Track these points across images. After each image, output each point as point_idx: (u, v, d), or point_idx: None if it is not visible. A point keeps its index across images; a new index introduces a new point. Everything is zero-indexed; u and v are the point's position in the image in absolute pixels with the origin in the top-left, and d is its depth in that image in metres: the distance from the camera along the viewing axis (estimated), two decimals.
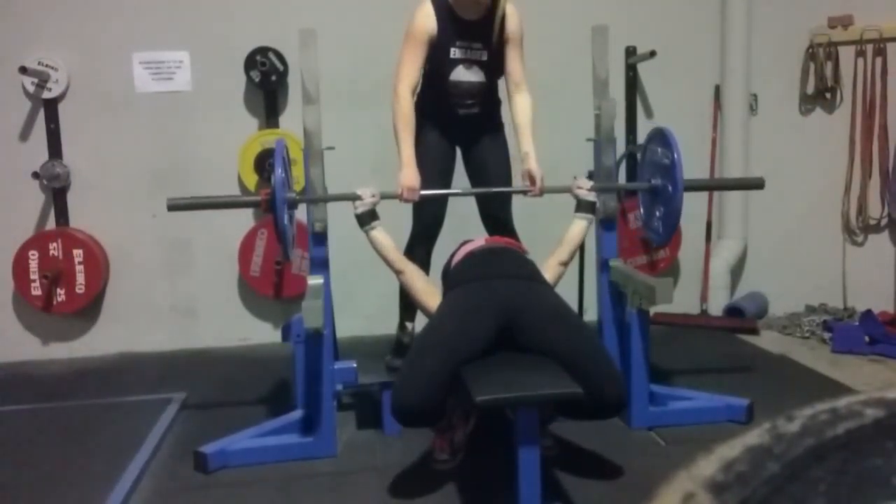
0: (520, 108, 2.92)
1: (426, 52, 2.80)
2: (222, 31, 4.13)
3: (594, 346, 2.36)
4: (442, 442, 2.58)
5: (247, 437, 2.74)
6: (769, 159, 4.51)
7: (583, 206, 2.81)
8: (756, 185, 3.09)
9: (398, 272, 2.66)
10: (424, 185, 2.82)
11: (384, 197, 2.73)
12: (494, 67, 2.89)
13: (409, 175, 2.76)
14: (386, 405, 2.83)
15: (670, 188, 2.76)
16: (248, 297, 4.30)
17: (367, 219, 2.66)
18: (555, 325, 2.33)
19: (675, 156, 2.71)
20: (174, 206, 2.71)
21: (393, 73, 2.84)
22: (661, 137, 2.85)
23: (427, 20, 2.78)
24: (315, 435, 2.72)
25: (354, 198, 2.68)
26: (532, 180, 2.81)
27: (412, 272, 2.65)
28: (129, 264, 4.21)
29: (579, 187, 2.83)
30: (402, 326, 3.17)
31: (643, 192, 3.05)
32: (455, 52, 2.82)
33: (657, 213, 2.91)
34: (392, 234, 2.74)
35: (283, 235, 2.59)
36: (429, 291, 2.59)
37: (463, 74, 2.85)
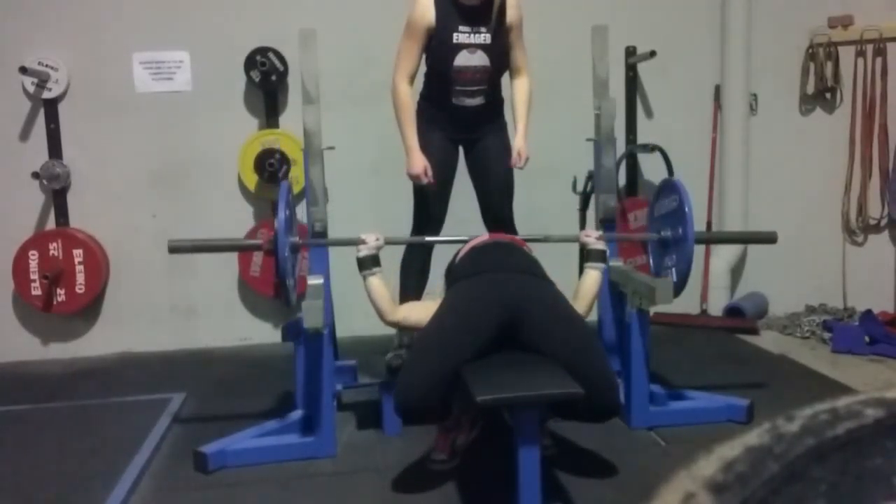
0: (518, 90, 3.02)
1: (425, 43, 2.84)
2: (222, 31, 4.13)
3: (594, 349, 2.36)
4: (444, 441, 2.57)
5: (247, 437, 2.73)
6: (769, 159, 4.51)
7: (593, 256, 2.70)
8: (769, 239, 3.04)
9: (394, 323, 2.55)
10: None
11: (389, 242, 2.69)
12: (497, 52, 2.90)
13: (417, 160, 2.84)
14: (386, 405, 2.83)
15: (681, 235, 2.73)
16: (248, 297, 4.30)
17: (368, 263, 2.57)
18: (557, 325, 2.33)
19: (686, 208, 2.70)
20: (175, 249, 2.70)
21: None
22: (671, 189, 2.83)
23: (425, 11, 2.81)
24: (315, 435, 2.72)
25: (358, 242, 2.61)
26: (517, 154, 2.94)
27: (407, 310, 2.57)
28: (129, 264, 4.21)
29: (587, 236, 2.77)
30: None
31: (653, 244, 3.01)
32: (458, 37, 2.83)
33: (668, 263, 2.87)
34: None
35: (284, 281, 2.51)
36: (430, 309, 2.49)
37: (467, 59, 2.86)
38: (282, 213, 2.49)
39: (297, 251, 2.71)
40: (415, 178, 2.88)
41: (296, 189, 3.45)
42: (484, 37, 2.85)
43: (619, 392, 2.32)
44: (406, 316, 2.53)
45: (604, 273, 2.71)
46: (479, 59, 2.87)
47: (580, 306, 2.57)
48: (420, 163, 2.86)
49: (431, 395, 2.20)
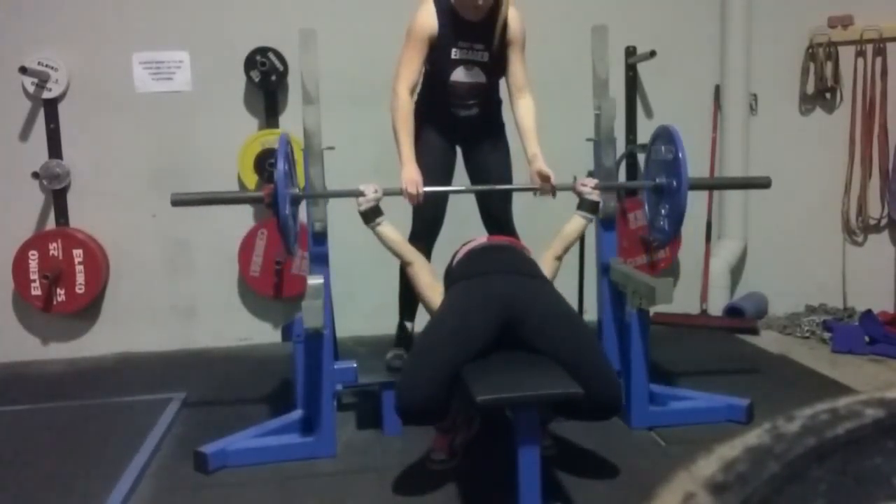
0: (523, 112, 2.89)
1: (426, 52, 2.78)
2: (222, 31, 4.13)
3: (594, 347, 2.37)
4: (442, 442, 2.58)
5: (247, 437, 2.74)
6: (769, 159, 4.51)
7: (586, 205, 2.78)
8: (762, 184, 3.04)
9: (407, 264, 2.65)
10: (425, 185, 2.82)
11: (387, 193, 2.71)
12: (495, 69, 2.88)
13: (411, 173, 2.75)
14: (386, 405, 2.84)
15: (675, 186, 2.76)
16: (248, 297, 4.30)
17: (371, 215, 2.64)
18: (556, 324, 2.33)
19: (680, 154, 2.70)
20: (178, 202, 2.74)
21: (393, 73, 2.84)
22: (665, 136, 2.85)
23: (428, 19, 2.76)
24: (315, 435, 2.72)
25: (357, 194, 2.66)
26: (546, 179, 2.76)
27: (420, 265, 2.66)
28: (129, 264, 4.21)
29: (584, 184, 2.80)
30: (401, 326, 3.17)
31: (648, 192, 3.05)
32: (456, 53, 2.80)
33: (662, 212, 2.91)
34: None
35: (285, 230, 2.57)
36: (433, 286, 2.60)
37: (463, 75, 2.84)
38: (281, 165, 2.51)
39: (296, 203, 2.74)
40: (408, 185, 2.73)
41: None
42: (482, 54, 2.82)
43: (620, 389, 2.32)
44: (417, 273, 2.63)
45: (590, 222, 2.81)
46: (476, 76, 2.85)
47: (559, 247, 2.70)
48: (415, 175, 2.73)
49: (432, 397, 2.20)
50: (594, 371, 2.23)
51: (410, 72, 2.78)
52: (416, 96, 2.94)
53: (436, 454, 2.58)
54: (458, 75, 2.83)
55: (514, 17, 2.82)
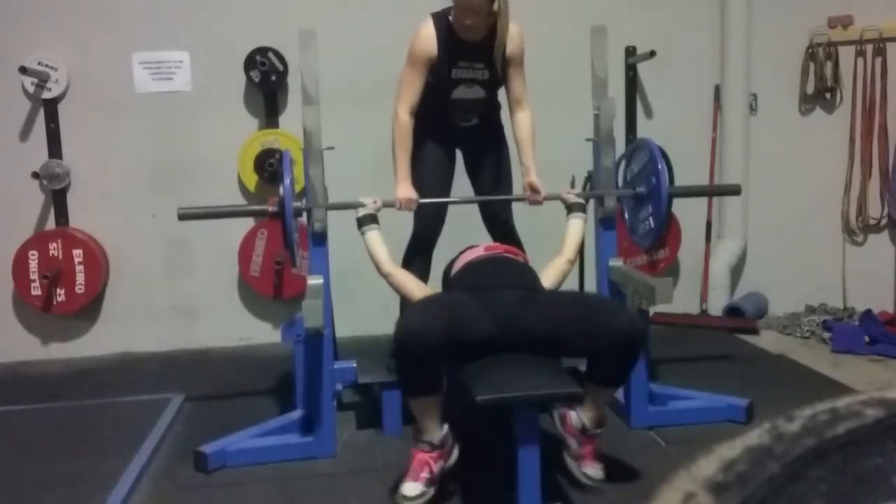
0: (521, 125, 2.96)
1: (427, 73, 2.82)
2: (222, 31, 4.13)
3: (596, 297, 2.41)
4: (420, 463, 2.29)
5: (247, 437, 2.74)
6: (769, 159, 4.52)
7: (574, 208, 2.86)
8: (733, 191, 3.26)
9: (386, 274, 2.62)
10: (424, 190, 2.87)
11: (386, 205, 2.76)
12: (495, 84, 2.92)
13: (406, 190, 2.83)
14: (386, 405, 2.84)
15: (655, 195, 2.85)
16: (248, 297, 4.30)
17: (367, 220, 2.68)
18: (557, 306, 2.36)
19: (659, 165, 2.78)
20: (185, 216, 2.75)
21: (394, 78, 2.86)
22: (643, 147, 2.92)
23: (428, 43, 2.78)
24: (315, 435, 2.72)
25: (358, 205, 2.72)
26: (535, 190, 2.89)
27: (401, 273, 2.65)
28: (129, 264, 4.21)
29: (568, 192, 2.91)
30: None
31: (626, 200, 3.11)
32: (456, 73, 2.83)
33: (641, 217, 2.99)
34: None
35: (291, 243, 2.65)
36: (422, 288, 2.58)
37: (464, 93, 2.87)
38: (286, 179, 2.61)
39: (299, 215, 2.82)
40: (402, 202, 2.83)
41: (296, 189, 3.45)
42: (482, 73, 2.85)
43: (635, 318, 2.33)
44: (402, 279, 2.62)
45: (585, 222, 2.88)
46: (476, 93, 2.88)
47: (569, 250, 2.74)
48: (410, 192, 2.83)
49: (432, 334, 2.11)
50: (603, 309, 2.29)
51: (410, 94, 2.82)
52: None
53: (412, 479, 2.27)
54: (459, 93, 2.87)
55: (513, 35, 2.83)
